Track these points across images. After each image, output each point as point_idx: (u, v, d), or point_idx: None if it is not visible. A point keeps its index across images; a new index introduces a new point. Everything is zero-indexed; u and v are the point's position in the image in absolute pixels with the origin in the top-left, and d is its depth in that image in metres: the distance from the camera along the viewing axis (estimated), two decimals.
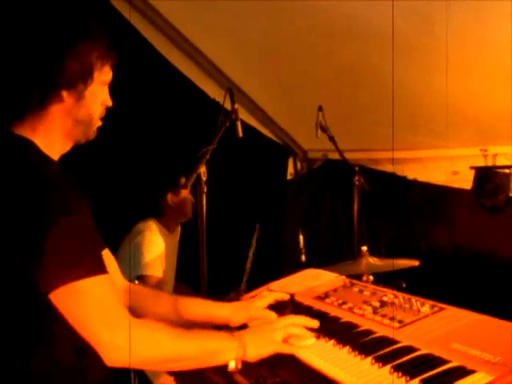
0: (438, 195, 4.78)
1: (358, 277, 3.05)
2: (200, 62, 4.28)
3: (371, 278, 3.12)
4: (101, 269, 1.59)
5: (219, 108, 2.88)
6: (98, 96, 1.77)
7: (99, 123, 1.82)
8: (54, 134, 1.72)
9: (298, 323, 1.81)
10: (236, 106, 2.85)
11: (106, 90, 1.81)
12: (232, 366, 1.73)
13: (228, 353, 1.70)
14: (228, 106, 2.88)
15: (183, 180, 3.39)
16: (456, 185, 4.74)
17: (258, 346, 1.73)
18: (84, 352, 1.56)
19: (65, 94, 1.69)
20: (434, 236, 4.58)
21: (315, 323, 1.81)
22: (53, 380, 1.61)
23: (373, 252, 3.29)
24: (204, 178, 2.60)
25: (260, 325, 1.86)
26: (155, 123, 3.95)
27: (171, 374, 2.10)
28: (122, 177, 3.79)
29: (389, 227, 4.68)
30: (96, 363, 1.56)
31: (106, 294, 1.58)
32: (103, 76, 1.76)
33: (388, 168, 5.08)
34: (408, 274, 3.25)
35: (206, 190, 2.61)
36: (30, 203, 1.53)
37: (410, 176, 4.95)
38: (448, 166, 4.84)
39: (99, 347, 1.53)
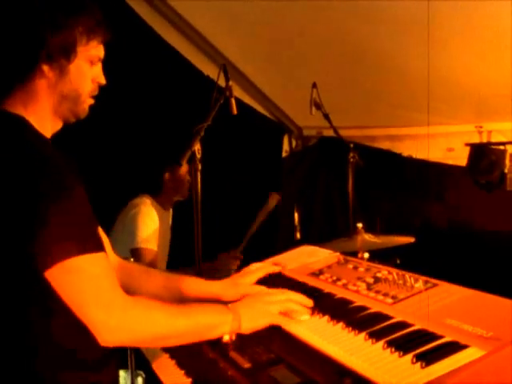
0: (433, 172, 4.79)
1: (354, 254, 3.06)
2: (195, 39, 4.25)
3: (366, 255, 3.12)
4: (97, 246, 1.58)
5: (214, 85, 2.86)
6: (85, 72, 1.73)
7: (90, 101, 1.79)
8: (43, 111, 1.70)
9: (295, 299, 1.81)
10: (230, 83, 2.83)
11: (97, 67, 1.78)
12: (226, 338, 1.76)
13: (223, 326, 1.71)
14: (222, 83, 2.86)
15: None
16: (451, 161, 4.76)
17: (252, 318, 1.74)
18: (81, 331, 1.54)
19: (45, 68, 1.66)
20: (429, 212, 4.59)
21: (309, 302, 1.81)
22: (49, 358, 1.60)
23: (368, 229, 3.30)
24: (198, 156, 2.59)
25: (255, 296, 1.85)
26: (151, 100, 3.94)
27: (167, 351, 2.11)
28: (116, 154, 3.78)
29: (384, 204, 4.69)
30: (93, 342, 1.55)
31: (102, 273, 1.56)
32: (91, 52, 1.73)
33: (384, 145, 5.08)
34: (403, 251, 3.27)
35: (200, 167, 2.60)
36: (27, 179, 1.51)
37: (406, 153, 4.95)
38: (443, 143, 4.86)
39: (93, 327, 1.52)
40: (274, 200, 3.71)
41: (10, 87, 1.69)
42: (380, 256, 3.12)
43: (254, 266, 2.18)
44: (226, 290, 2.03)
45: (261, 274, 2.10)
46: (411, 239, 3.25)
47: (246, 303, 1.79)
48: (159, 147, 3.69)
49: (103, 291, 1.54)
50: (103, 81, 1.80)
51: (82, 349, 1.62)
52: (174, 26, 4.11)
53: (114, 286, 1.58)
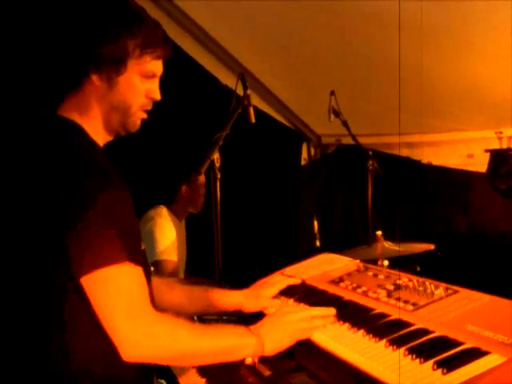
0: (453, 178, 4.77)
1: (373, 261, 3.05)
2: (212, 48, 4.26)
3: (386, 262, 3.11)
4: (135, 258, 1.57)
5: (232, 94, 2.88)
6: (135, 85, 1.73)
7: (142, 115, 1.80)
8: (95, 120, 1.73)
9: (316, 314, 1.80)
10: (248, 91, 2.84)
11: (151, 82, 1.78)
12: (249, 360, 1.77)
13: (246, 349, 1.69)
14: (240, 91, 2.88)
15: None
16: (471, 168, 4.73)
17: (275, 341, 1.73)
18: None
19: (95, 77, 1.69)
20: (449, 219, 4.57)
21: (331, 311, 1.80)
22: (76, 365, 1.60)
23: (388, 236, 3.29)
24: (217, 165, 2.61)
25: (276, 316, 1.82)
26: (168, 110, 3.95)
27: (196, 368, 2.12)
28: (134, 163, 3.80)
29: (403, 211, 4.67)
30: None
31: (134, 285, 1.56)
32: (144, 66, 1.73)
33: (403, 152, 5.07)
34: (424, 258, 3.25)
35: (219, 176, 2.61)
36: (76, 182, 1.53)
37: (425, 160, 4.94)
38: (463, 149, 4.83)
39: (116, 340, 1.52)
40: None
41: (63, 93, 1.73)
42: (400, 264, 3.12)
43: (276, 277, 2.19)
44: (247, 301, 2.04)
45: (282, 286, 2.11)
46: (431, 246, 3.24)
47: (269, 325, 1.77)
48: (177, 157, 3.71)
49: (132, 304, 1.53)
50: (158, 96, 1.80)
51: (110, 358, 1.59)
52: (191, 36, 4.13)
53: (143, 300, 1.57)
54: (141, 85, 1.75)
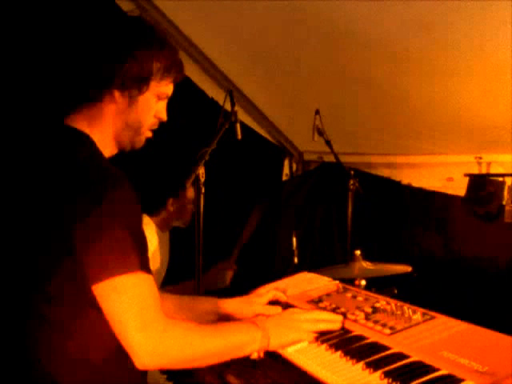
0: (432, 201, 4.81)
1: (351, 280, 3.08)
2: (200, 61, 4.27)
3: (363, 282, 3.14)
4: (146, 267, 1.60)
5: (218, 108, 2.90)
6: (151, 106, 1.81)
7: (148, 134, 1.87)
8: (106, 133, 1.78)
9: (323, 318, 1.86)
10: (236, 108, 2.87)
11: (162, 103, 1.86)
12: (255, 355, 1.77)
13: (253, 344, 1.74)
14: (228, 107, 2.90)
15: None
16: (450, 191, 4.77)
17: (281, 335, 1.78)
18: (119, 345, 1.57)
19: (117, 93, 1.74)
20: (427, 241, 4.61)
21: (339, 317, 1.86)
22: (85, 368, 1.62)
23: (366, 256, 3.31)
24: (202, 179, 2.62)
25: (284, 313, 1.89)
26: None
27: (164, 373, 2.13)
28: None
29: (383, 231, 4.71)
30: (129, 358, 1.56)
31: (147, 294, 1.58)
32: (162, 88, 1.81)
33: (383, 172, 5.11)
34: (401, 279, 3.28)
35: (203, 190, 2.63)
36: (86, 192, 1.56)
37: (405, 181, 4.98)
38: (443, 173, 4.88)
39: (131, 350, 1.54)
40: (259, 212, 3.73)
41: (79, 104, 1.77)
42: (377, 284, 3.14)
43: (264, 289, 2.21)
44: (240, 308, 2.06)
45: (270, 297, 2.13)
46: (408, 268, 3.27)
47: (275, 320, 1.83)
48: (165, 169, 3.71)
49: (145, 313, 1.55)
50: (165, 117, 1.88)
51: (120, 364, 1.63)
52: (181, 48, 4.14)
53: (155, 308, 1.59)
54: (154, 105, 1.83)
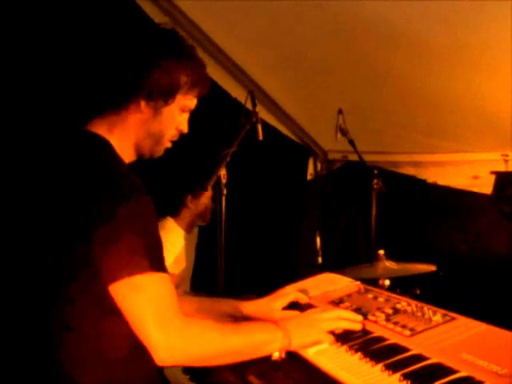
0: (458, 199, 4.76)
1: (375, 280, 3.07)
2: (222, 61, 4.28)
3: (387, 282, 3.13)
4: (162, 267, 1.63)
5: (241, 108, 2.91)
6: (174, 117, 1.86)
7: (168, 144, 1.91)
8: (127, 140, 1.82)
9: (344, 316, 1.87)
10: (257, 109, 2.88)
11: (185, 116, 1.90)
12: (276, 355, 1.79)
13: (274, 343, 1.76)
14: (250, 107, 2.90)
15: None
16: (476, 189, 4.73)
17: (302, 335, 1.79)
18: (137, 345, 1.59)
19: (143, 103, 1.78)
20: (453, 240, 4.57)
21: (359, 317, 1.86)
22: (103, 368, 1.65)
23: (390, 255, 3.30)
24: (224, 181, 2.64)
25: (305, 314, 1.91)
26: None
27: (187, 373, 2.14)
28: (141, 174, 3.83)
29: (407, 231, 4.67)
30: (147, 358, 1.59)
31: (164, 293, 1.61)
32: (186, 101, 1.86)
33: (408, 171, 5.08)
34: (425, 279, 3.26)
35: (225, 192, 2.64)
36: (105, 195, 1.59)
37: (430, 179, 4.95)
38: (469, 171, 4.84)
39: (150, 347, 1.57)
40: None
41: (104, 110, 1.80)
42: (401, 284, 3.13)
43: (285, 290, 2.21)
44: (258, 310, 2.08)
45: (291, 298, 2.14)
46: (432, 267, 3.25)
47: (296, 320, 1.85)
48: (184, 169, 3.73)
49: (163, 311, 1.58)
50: (186, 130, 1.92)
51: (136, 363, 1.66)
52: (202, 48, 4.14)
53: (173, 306, 1.62)
54: (178, 117, 1.87)
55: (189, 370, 2.18)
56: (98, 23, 2.93)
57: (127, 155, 1.83)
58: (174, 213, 3.65)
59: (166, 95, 1.78)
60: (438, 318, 1.76)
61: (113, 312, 1.59)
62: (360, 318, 1.86)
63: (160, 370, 1.80)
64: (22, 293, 1.73)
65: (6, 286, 1.76)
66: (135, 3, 3.40)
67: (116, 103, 1.79)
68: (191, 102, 1.88)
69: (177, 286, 3.35)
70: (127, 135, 1.80)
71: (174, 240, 3.53)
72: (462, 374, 1.43)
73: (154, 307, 1.57)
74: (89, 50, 2.69)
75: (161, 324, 1.56)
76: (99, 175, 1.63)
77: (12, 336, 1.75)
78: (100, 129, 1.78)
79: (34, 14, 2.82)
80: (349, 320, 1.86)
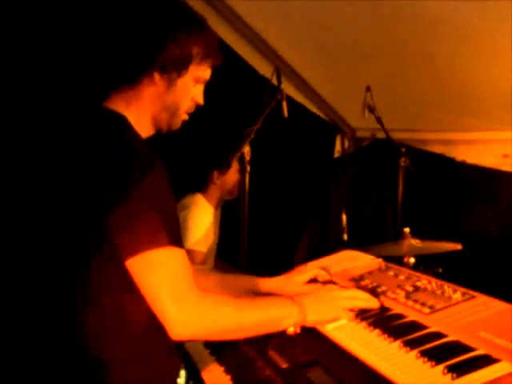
0: (487, 178, 4.71)
1: (400, 258, 3.06)
2: (249, 36, 4.25)
3: (412, 260, 3.12)
4: (178, 241, 1.66)
5: (266, 85, 2.90)
6: (189, 89, 1.86)
7: (185, 117, 1.92)
8: (144, 115, 1.83)
9: (361, 297, 1.87)
10: (284, 86, 2.87)
11: (200, 87, 1.91)
12: (291, 330, 1.79)
13: (288, 318, 1.77)
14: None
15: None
16: (506, 168, 4.68)
17: (318, 311, 1.80)
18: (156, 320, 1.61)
19: (157, 76, 1.79)
20: (481, 219, 4.52)
21: (376, 302, 1.86)
22: (124, 342, 1.68)
23: (417, 233, 3.28)
24: (248, 158, 2.64)
25: (322, 290, 1.92)
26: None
27: (208, 347, 2.17)
28: (166, 152, 3.85)
29: (434, 209, 4.64)
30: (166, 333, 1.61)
31: (180, 268, 1.63)
32: (199, 72, 1.86)
33: (437, 149, 5.03)
34: (451, 258, 3.24)
35: (249, 169, 2.65)
36: (122, 171, 1.60)
37: (459, 158, 4.89)
38: (498, 149, 4.78)
39: (165, 320, 1.58)
40: None
41: (118, 85, 1.82)
42: (426, 262, 3.12)
43: (306, 267, 2.23)
44: (280, 287, 2.10)
45: (312, 275, 2.15)
46: (458, 246, 3.22)
47: (313, 296, 1.86)
48: (209, 145, 3.74)
49: (178, 286, 1.60)
50: (201, 101, 1.92)
51: (154, 337, 1.68)
52: (228, 23, 4.12)
53: (189, 281, 1.63)
54: (192, 89, 1.87)
55: (210, 345, 2.21)
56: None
57: (145, 129, 1.85)
58: (203, 189, 3.69)
59: (179, 67, 1.79)
60: (457, 296, 1.75)
61: (132, 288, 1.61)
62: (377, 303, 1.85)
63: (180, 345, 1.83)
64: (45, 271, 1.75)
65: (28, 263, 1.79)
66: None
67: (130, 77, 1.80)
68: (205, 72, 1.88)
69: (203, 262, 3.42)
70: (144, 109, 1.82)
71: (204, 216, 3.58)
72: (480, 351, 1.42)
73: (170, 282, 1.59)
74: (101, 25, 2.70)
75: (176, 298, 1.58)
76: (115, 153, 1.64)
77: (36, 313, 1.79)
78: (117, 104, 1.80)
79: None
80: (366, 300, 1.86)
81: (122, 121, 1.77)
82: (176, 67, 1.79)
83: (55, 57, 3.01)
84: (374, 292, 1.93)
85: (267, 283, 2.12)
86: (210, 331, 1.68)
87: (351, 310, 1.82)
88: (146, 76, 1.79)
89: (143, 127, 1.83)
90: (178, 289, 1.59)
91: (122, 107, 1.80)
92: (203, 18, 1.87)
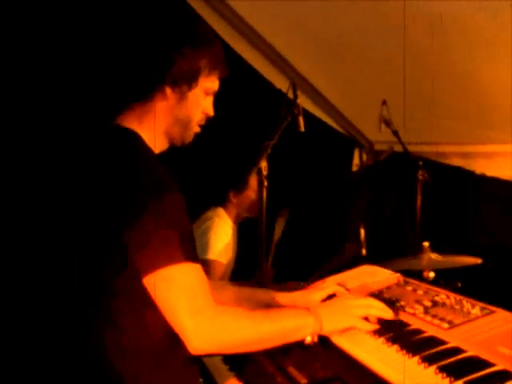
0: (507, 191, 4.68)
1: (419, 272, 3.04)
2: (265, 50, 4.27)
3: (432, 274, 3.10)
4: (194, 257, 1.67)
5: (283, 99, 2.91)
6: (200, 102, 1.89)
7: (197, 129, 1.94)
8: (157, 130, 1.85)
9: (376, 305, 1.89)
10: (302, 100, 2.87)
11: (209, 99, 1.94)
12: (309, 339, 1.81)
13: (305, 329, 1.78)
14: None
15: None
16: None
17: (333, 320, 1.82)
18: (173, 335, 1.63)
19: (168, 90, 1.82)
20: (501, 233, 4.49)
21: (390, 313, 1.87)
22: (142, 357, 1.69)
23: (437, 248, 3.26)
24: (265, 173, 2.64)
25: (336, 299, 1.95)
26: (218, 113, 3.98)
27: (227, 363, 2.17)
28: (184, 166, 3.86)
29: (454, 223, 4.61)
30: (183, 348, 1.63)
31: (197, 283, 1.65)
32: (208, 84, 1.89)
33: (456, 162, 5.00)
34: (471, 272, 3.22)
35: (266, 184, 2.65)
36: (136, 188, 1.63)
37: (478, 171, 4.86)
38: None
39: (184, 335, 1.61)
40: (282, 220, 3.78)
41: (131, 103, 1.85)
42: (446, 276, 3.09)
43: (324, 283, 2.24)
44: (296, 302, 2.10)
45: (330, 291, 2.15)
46: (478, 260, 3.20)
47: (328, 305, 1.90)
48: (226, 161, 3.76)
49: (195, 301, 1.62)
50: (211, 113, 1.95)
51: (171, 353, 1.70)
52: (245, 38, 4.14)
53: (205, 295, 1.65)
54: (203, 101, 1.90)
55: (229, 360, 2.21)
56: (120, 17, 3.00)
57: (159, 145, 1.87)
58: (223, 204, 3.71)
59: (189, 79, 1.82)
60: (476, 311, 1.74)
61: (149, 304, 1.62)
62: (391, 314, 1.86)
63: (199, 360, 1.83)
64: (63, 287, 1.78)
65: (47, 280, 1.81)
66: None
67: (143, 94, 1.83)
68: (214, 83, 1.91)
69: (223, 276, 3.41)
70: (157, 124, 1.84)
71: (227, 229, 3.59)
72: (498, 367, 1.41)
73: (186, 297, 1.61)
74: (111, 44, 2.75)
75: (193, 313, 1.60)
76: (130, 173, 1.66)
77: (55, 327, 1.81)
78: (130, 122, 1.82)
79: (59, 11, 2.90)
80: (380, 308, 1.87)
81: (136, 138, 1.79)
82: (186, 80, 1.82)
83: (68, 76, 3.06)
84: (391, 303, 1.93)
85: (284, 297, 2.12)
86: (227, 344, 1.69)
87: (366, 319, 1.84)
88: (157, 91, 1.82)
89: (157, 143, 1.86)
90: (195, 303, 1.61)
91: (135, 124, 1.82)
92: (209, 28, 1.93)
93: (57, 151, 2.03)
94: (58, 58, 3.04)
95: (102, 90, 2.77)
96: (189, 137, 1.93)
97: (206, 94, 1.91)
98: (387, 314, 1.86)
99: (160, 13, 1.89)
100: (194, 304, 1.61)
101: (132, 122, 1.83)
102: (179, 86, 1.82)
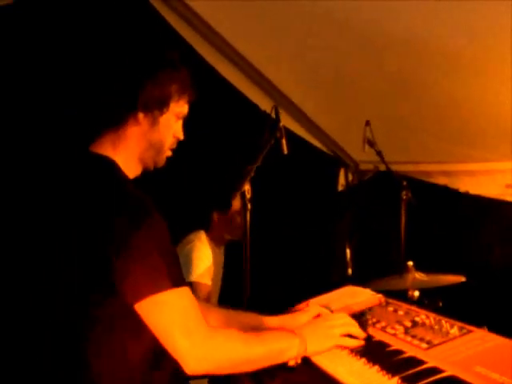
0: (491, 208, 4.72)
1: (404, 292, 3.07)
2: (249, 73, 4.31)
3: (417, 293, 3.13)
4: (183, 280, 1.71)
5: (266, 120, 2.93)
6: (171, 126, 1.94)
7: (169, 153, 1.99)
8: (131, 155, 1.89)
9: (351, 323, 1.95)
10: (286, 121, 2.89)
11: (179, 123, 1.99)
12: (292, 362, 1.85)
13: (291, 350, 1.83)
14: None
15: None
16: (509, 198, 4.68)
17: (317, 342, 1.87)
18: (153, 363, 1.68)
19: (141, 115, 1.86)
20: (486, 250, 4.52)
21: (361, 333, 1.93)
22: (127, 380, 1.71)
23: (421, 266, 3.29)
24: (248, 196, 2.65)
25: (317, 320, 2.00)
26: (200, 136, 4.00)
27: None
28: (167, 190, 3.87)
29: (438, 241, 4.64)
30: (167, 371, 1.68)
31: (188, 306, 1.69)
32: (179, 108, 1.94)
33: (440, 180, 5.05)
34: (455, 290, 3.24)
35: (249, 207, 2.66)
36: (116, 216, 1.65)
37: (463, 189, 4.90)
38: (501, 179, 4.78)
39: (179, 358, 1.64)
40: None
41: (104, 129, 1.89)
42: (431, 294, 3.12)
43: (311, 304, 2.29)
44: (284, 324, 2.11)
45: (315, 313, 2.18)
46: (462, 278, 3.23)
47: (310, 328, 1.93)
48: (210, 183, 3.77)
49: (188, 322, 1.66)
50: (182, 137, 2.00)
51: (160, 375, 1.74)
52: (229, 60, 4.16)
53: (198, 316, 1.70)
54: (174, 125, 1.95)
55: (214, 382, 2.22)
56: (89, 43, 3.05)
57: (133, 170, 1.91)
58: (206, 227, 3.72)
59: (161, 104, 1.87)
60: (454, 330, 1.77)
61: (133, 327, 1.65)
62: (362, 333, 1.93)
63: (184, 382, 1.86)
64: (49, 311, 1.80)
65: (33, 303, 1.83)
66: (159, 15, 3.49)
67: (116, 120, 1.87)
68: (183, 108, 1.96)
69: (209, 298, 3.41)
70: (130, 150, 1.88)
71: (208, 252, 3.59)
72: None
73: (180, 319, 1.65)
74: (83, 70, 2.80)
75: (187, 334, 1.64)
76: (111, 201, 1.69)
77: (40, 349, 1.82)
78: (104, 148, 1.86)
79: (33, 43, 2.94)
80: (355, 326, 1.94)
81: (111, 165, 1.82)
82: (158, 105, 1.86)
83: (42, 103, 3.09)
84: (358, 317, 2.03)
85: (272, 321, 2.15)
86: (221, 365, 1.72)
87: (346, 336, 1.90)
88: (130, 117, 1.86)
89: (131, 168, 1.89)
90: (189, 325, 1.66)
91: (109, 150, 1.85)
92: (176, 55, 1.95)
93: (35, 179, 2.05)
94: (30, 86, 3.07)
95: (75, 116, 2.80)
96: (161, 161, 1.97)
97: (177, 117, 1.95)
98: (359, 333, 1.92)
99: (130, 41, 1.94)
100: (187, 325, 1.65)
101: (106, 149, 1.86)
102: (151, 111, 1.86)
